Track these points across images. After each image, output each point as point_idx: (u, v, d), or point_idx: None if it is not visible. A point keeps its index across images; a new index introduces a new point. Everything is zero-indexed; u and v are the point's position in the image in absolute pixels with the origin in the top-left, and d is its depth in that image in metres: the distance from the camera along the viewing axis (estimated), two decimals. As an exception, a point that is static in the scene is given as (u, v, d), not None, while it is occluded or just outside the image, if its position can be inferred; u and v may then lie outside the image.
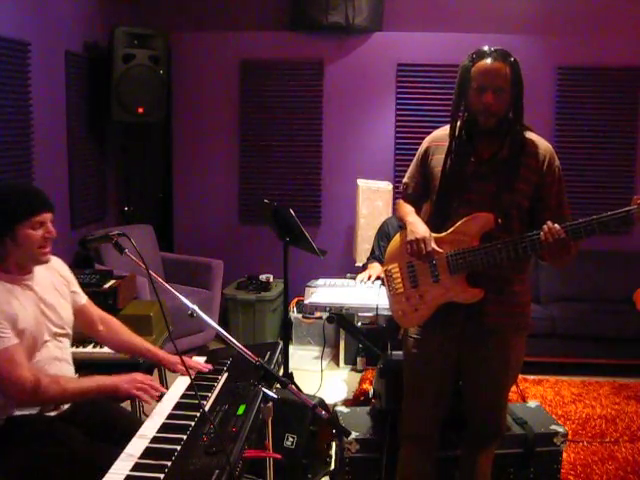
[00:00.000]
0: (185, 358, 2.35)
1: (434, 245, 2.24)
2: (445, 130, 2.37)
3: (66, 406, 2.24)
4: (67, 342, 2.32)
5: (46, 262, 2.17)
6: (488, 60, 2.17)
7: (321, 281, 3.69)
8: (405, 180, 2.52)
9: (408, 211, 2.44)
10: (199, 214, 5.63)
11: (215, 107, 5.52)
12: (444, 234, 2.28)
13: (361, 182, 5.10)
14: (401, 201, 2.53)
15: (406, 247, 2.29)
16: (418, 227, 2.29)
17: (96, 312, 2.46)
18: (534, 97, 5.37)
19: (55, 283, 2.31)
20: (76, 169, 4.70)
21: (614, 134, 5.26)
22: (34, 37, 4.07)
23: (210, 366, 2.37)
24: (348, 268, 5.10)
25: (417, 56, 5.31)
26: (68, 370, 2.29)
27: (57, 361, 2.22)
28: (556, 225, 2.08)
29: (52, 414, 2.18)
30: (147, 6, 5.51)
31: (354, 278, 3.76)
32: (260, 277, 5.20)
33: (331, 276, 3.85)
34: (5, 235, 2.07)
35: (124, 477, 1.64)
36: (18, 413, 2.09)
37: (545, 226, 2.09)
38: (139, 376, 2.11)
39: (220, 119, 5.54)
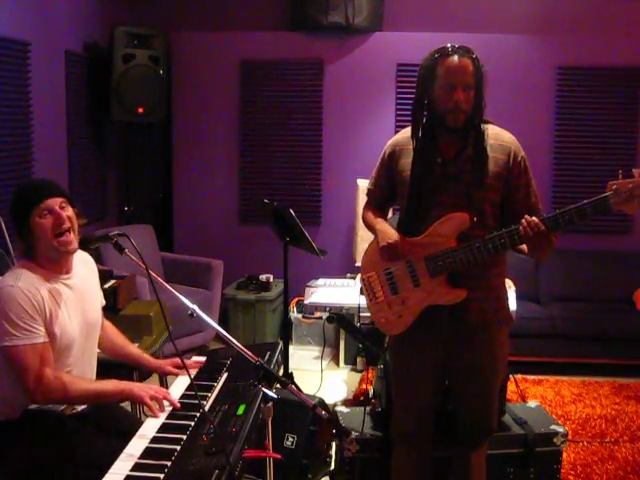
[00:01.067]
0: (175, 360, 2.38)
1: (407, 248, 2.25)
2: (407, 133, 2.36)
3: (82, 406, 2.25)
4: (96, 342, 2.35)
5: (71, 251, 2.14)
6: (455, 57, 2.16)
7: (321, 281, 3.70)
8: (369, 187, 2.51)
9: (375, 219, 2.45)
10: (199, 214, 5.63)
11: (215, 107, 5.52)
12: (420, 237, 2.27)
13: (361, 182, 5.10)
14: (366, 210, 2.53)
15: (381, 254, 2.31)
16: (387, 232, 2.31)
17: (102, 317, 2.47)
18: (534, 97, 5.42)
19: (91, 281, 2.35)
20: (76, 169, 4.70)
21: (614, 134, 5.25)
22: (34, 37, 4.07)
23: (198, 362, 2.40)
24: (348, 268, 5.10)
25: (417, 56, 5.17)
26: (92, 369, 2.32)
27: (84, 361, 2.25)
28: (534, 218, 2.07)
29: (67, 412, 2.20)
30: (147, 6, 5.51)
31: (354, 278, 3.76)
32: (260, 277, 5.19)
33: (331, 276, 3.85)
34: (25, 232, 2.10)
35: (124, 477, 1.64)
36: (34, 407, 2.11)
37: (523, 220, 2.08)
38: (155, 387, 2.11)
39: (220, 119, 5.54)
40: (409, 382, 2.42)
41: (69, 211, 2.13)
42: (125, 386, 2.12)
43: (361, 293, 2.54)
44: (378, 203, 2.50)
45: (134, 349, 2.52)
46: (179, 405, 2.04)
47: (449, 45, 2.20)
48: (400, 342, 2.42)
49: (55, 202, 2.10)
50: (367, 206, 2.54)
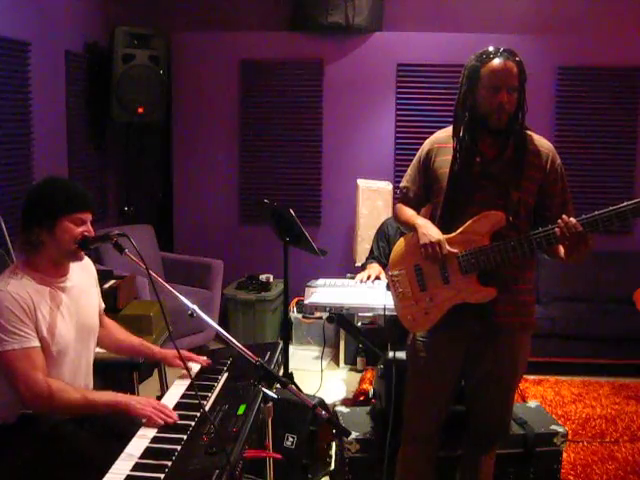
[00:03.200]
0: (183, 351, 2.33)
1: (449, 248, 2.23)
2: (446, 132, 2.37)
3: None
4: (94, 345, 2.33)
5: (80, 259, 2.15)
6: (500, 60, 2.17)
7: (321, 281, 3.69)
8: (405, 184, 2.49)
9: (413, 214, 2.41)
10: (199, 214, 5.63)
11: (215, 107, 5.52)
12: (454, 234, 2.26)
13: (361, 182, 5.10)
14: (401, 205, 2.49)
15: (420, 251, 2.26)
16: (430, 230, 2.27)
17: (101, 315, 2.45)
18: (534, 97, 5.37)
19: (88, 285, 2.32)
20: (76, 169, 4.70)
21: (614, 134, 5.25)
22: (34, 37, 4.07)
23: (208, 360, 2.36)
24: (348, 268, 5.10)
25: (417, 56, 5.31)
26: (89, 374, 2.30)
27: (81, 365, 2.23)
28: (572, 219, 2.07)
29: (65, 416, 2.18)
30: (147, 6, 5.51)
31: (354, 278, 3.75)
32: (260, 277, 5.19)
33: (331, 276, 3.84)
34: (43, 226, 2.06)
35: (124, 477, 1.64)
36: (30, 411, 2.08)
37: (560, 220, 2.08)
38: (154, 401, 2.05)
39: (220, 119, 5.54)
40: (428, 381, 2.40)
41: (92, 230, 2.15)
42: (122, 399, 2.04)
43: (387, 289, 2.53)
44: (414, 201, 2.46)
45: (137, 341, 2.48)
46: (178, 418, 1.97)
47: (492, 48, 2.21)
48: (422, 343, 2.40)
49: (89, 217, 2.14)
50: (401, 203, 2.50)
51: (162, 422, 1.94)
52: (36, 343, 2.01)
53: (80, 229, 2.09)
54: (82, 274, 2.30)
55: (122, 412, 2.02)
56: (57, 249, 2.09)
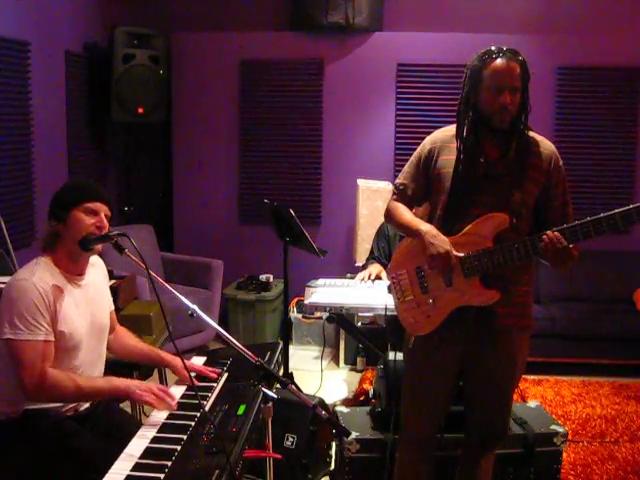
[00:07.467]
0: (189, 362, 2.36)
1: (457, 253, 2.20)
2: (448, 131, 2.35)
3: (83, 407, 2.24)
4: (104, 344, 2.34)
5: (96, 251, 2.19)
6: (502, 60, 2.15)
7: (321, 281, 3.69)
8: (402, 181, 2.42)
9: (414, 217, 2.36)
10: (199, 214, 5.63)
11: (215, 107, 5.52)
12: (457, 236, 2.24)
13: (361, 182, 5.10)
14: (397, 204, 2.42)
15: (427, 259, 2.24)
16: (437, 239, 2.21)
17: (113, 320, 2.46)
18: (534, 97, 5.37)
19: (103, 287, 2.36)
20: (76, 169, 4.70)
21: (614, 134, 5.25)
22: (34, 37, 4.07)
23: (218, 371, 2.34)
24: (348, 268, 5.10)
25: (417, 56, 5.31)
26: (99, 373, 2.31)
27: (92, 363, 2.24)
28: (556, 233, 2.09)
29: (68, 413, 2.19)
30: (147, 6, 5.51)
31: (354, 278, 3.76)
32: (260, 277, 5.19)
33: (331, 276, 3.85)
34: (59, 219, 2.12)
35: (124, 477, 1.65)
36: (35, 407, 2.09)
37: (545, 236, 2.10)
38: (155, 387, 2.07)
39: (220, 119, 5.54)
40: (425, 383, 2.39)
41: (107, 224, 2.17)
42: (122, 385, 2.08)
43: (389, 291, 2.51)
44: (411, 200, 2.41)
45: (146, 347, 2.49)
46: (175, 405, 2.01)
47: (495, 47, 2.19)
48: (420, 343, 2.38)
49: (104, 208, 2.16)
50: (396, 201, 2.43)
51: (164, 407, 1.96)
52: (50, 337, 2.04)
53: (91, 220, 2.12)
54: (97, 275, 2.34)
55: (123, 397, 2.07)
56: (72, 239, 2.12)
